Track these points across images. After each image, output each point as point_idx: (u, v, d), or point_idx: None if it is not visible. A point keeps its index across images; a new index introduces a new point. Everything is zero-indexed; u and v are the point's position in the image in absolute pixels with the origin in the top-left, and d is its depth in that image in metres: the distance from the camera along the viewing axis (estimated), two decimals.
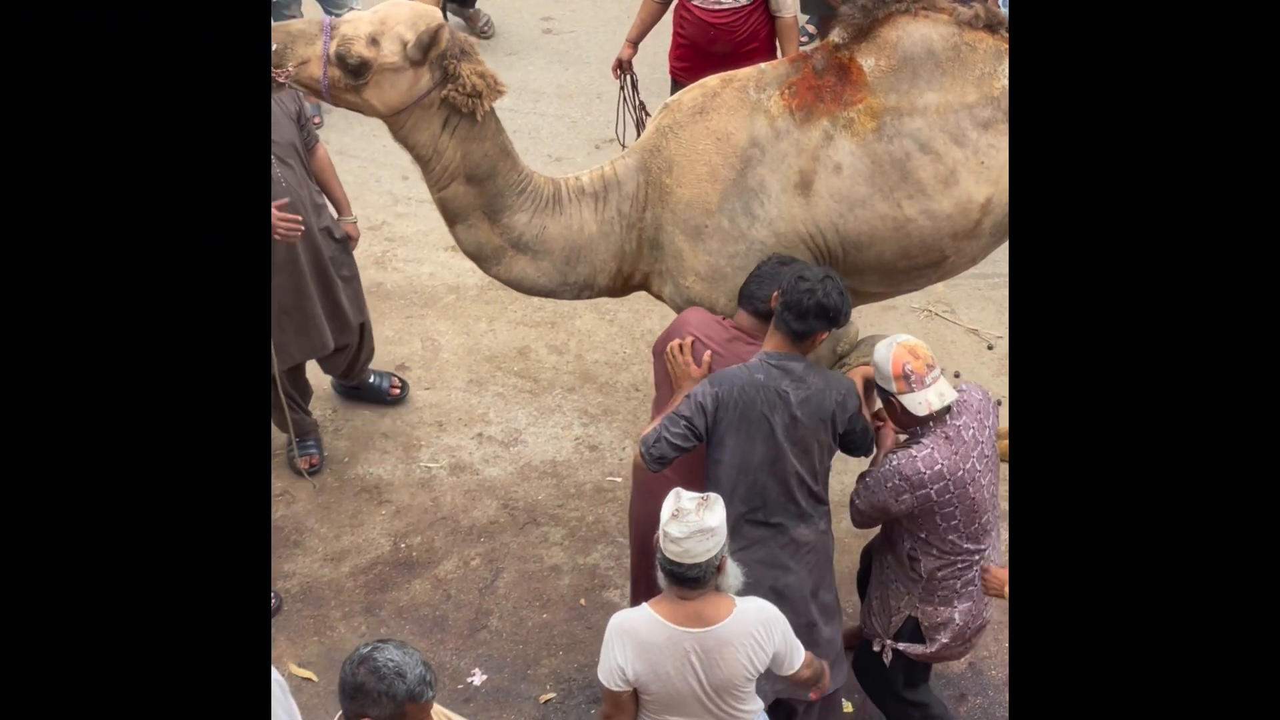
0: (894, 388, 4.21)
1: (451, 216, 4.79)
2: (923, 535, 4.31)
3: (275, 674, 3.59)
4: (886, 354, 4.21)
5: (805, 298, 4.16)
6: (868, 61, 4.71)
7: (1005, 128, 4.70)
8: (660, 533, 3.71)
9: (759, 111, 4.71)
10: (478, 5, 8.98)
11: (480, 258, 4.88)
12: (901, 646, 4.48)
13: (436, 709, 3.50)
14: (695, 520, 3.66)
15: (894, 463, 4.24)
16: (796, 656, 3.91)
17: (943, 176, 4.67)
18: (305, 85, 4.50)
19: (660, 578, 3.80)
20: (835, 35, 4.77)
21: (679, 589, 3.75)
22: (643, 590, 4.63)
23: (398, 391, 6.32)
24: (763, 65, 4.91)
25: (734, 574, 3.82)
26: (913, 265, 4.84)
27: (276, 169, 5.21)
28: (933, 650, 4.46)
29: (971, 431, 4.25)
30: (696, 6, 6.46)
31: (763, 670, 3.85)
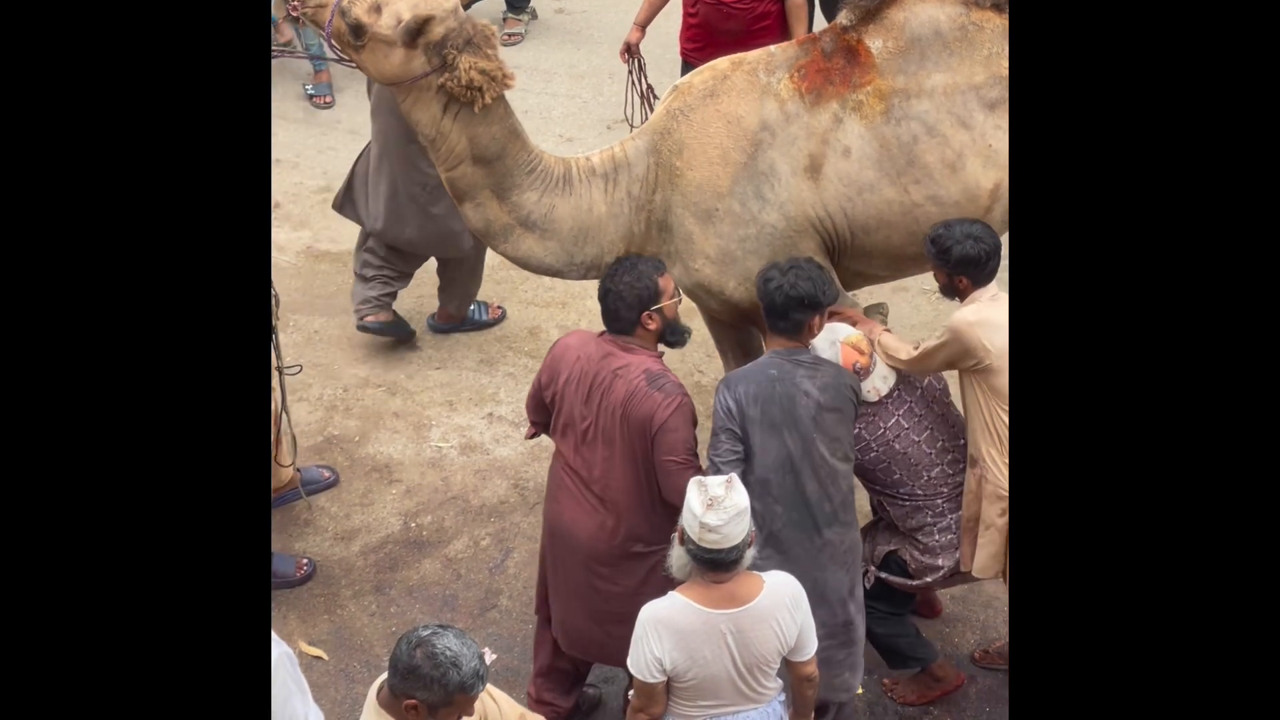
0: None
1: (460, 195, 4.79)
2: (877, 489, 4.58)
3: (284, 646, 3.59)
4: (836, 354, 4.37)
5: (776, 295, 4.25)
6: (875, 43, 4.71)
7: None
8: (695, 526, 3.67)
9: (769, 95, 4.70)
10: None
11: (488, 235, 4.88)
12: (884, 575, 4.62)
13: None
14: (732, 504, 3.66)
15: None
16: (811, 644, 3.91)
17: (949, 161, 4.67)
18: (314, 24, 4.62)
19: (680, 568, 3.81)
20: (843, 17, 4.77)
21: (714, 574, 3.74)
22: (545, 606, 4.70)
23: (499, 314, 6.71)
24: (772, 48, 4.91)
25: (752, 546, 3.82)
26: (921, 252, 4.82)
27: None
28: (915, 584, 4.62)
29: (896, 393, 4.45)
30: None
31: (792, 644, 3.85)
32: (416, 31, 4.44)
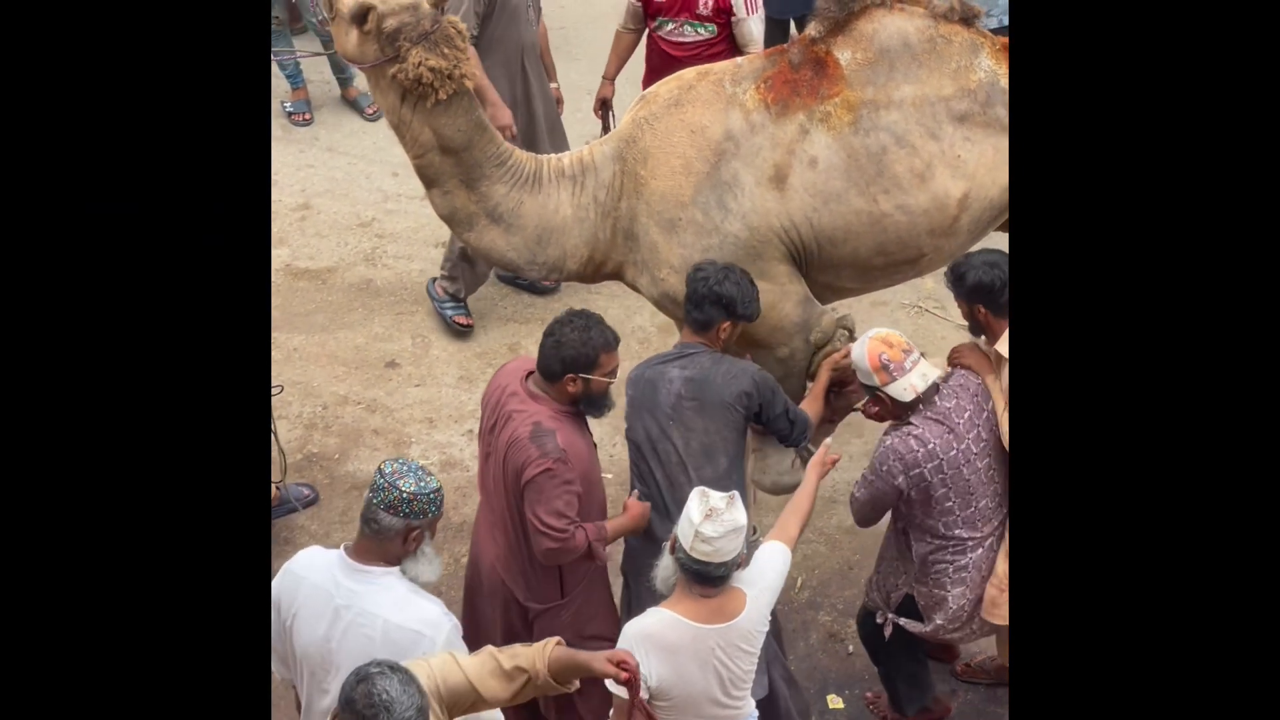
0: (877, 381, 4.27)
1: (427, 181, 4.84)
2: (917, 520, 4.36)
3: (453, 619, 3.62)
4: (862, 351, 4.28)
5: (699, 286, 4.35)
6: (844, 54, 4.72)
7: (981, 120, 4.71)
8: (689, 534, 3.64)
9: (734, 105, 4.71)
10: None
11: (453, 221, 4.92)
12: (903, 621, 4.52)
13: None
14: (730, 519, 3.63)
15: (888, 443, 4.29)
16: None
17: (918, 171, 4.67)
18: None
19: (665, 579, 3.79)
20: (812, 29, 4.78)
21: (701, 588, 3.71)
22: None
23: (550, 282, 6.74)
24: (739, 59, 4.94)
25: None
26: (889, 262, 4.84)
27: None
28: (929, 630, 4.49)
29: (967, 414, 4.28)
30: (661, 37, 6.35)
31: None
32: (360, 17, 4.51)
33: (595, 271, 5.03)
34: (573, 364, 4.13)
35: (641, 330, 6.58)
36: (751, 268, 4.57)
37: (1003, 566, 4.36)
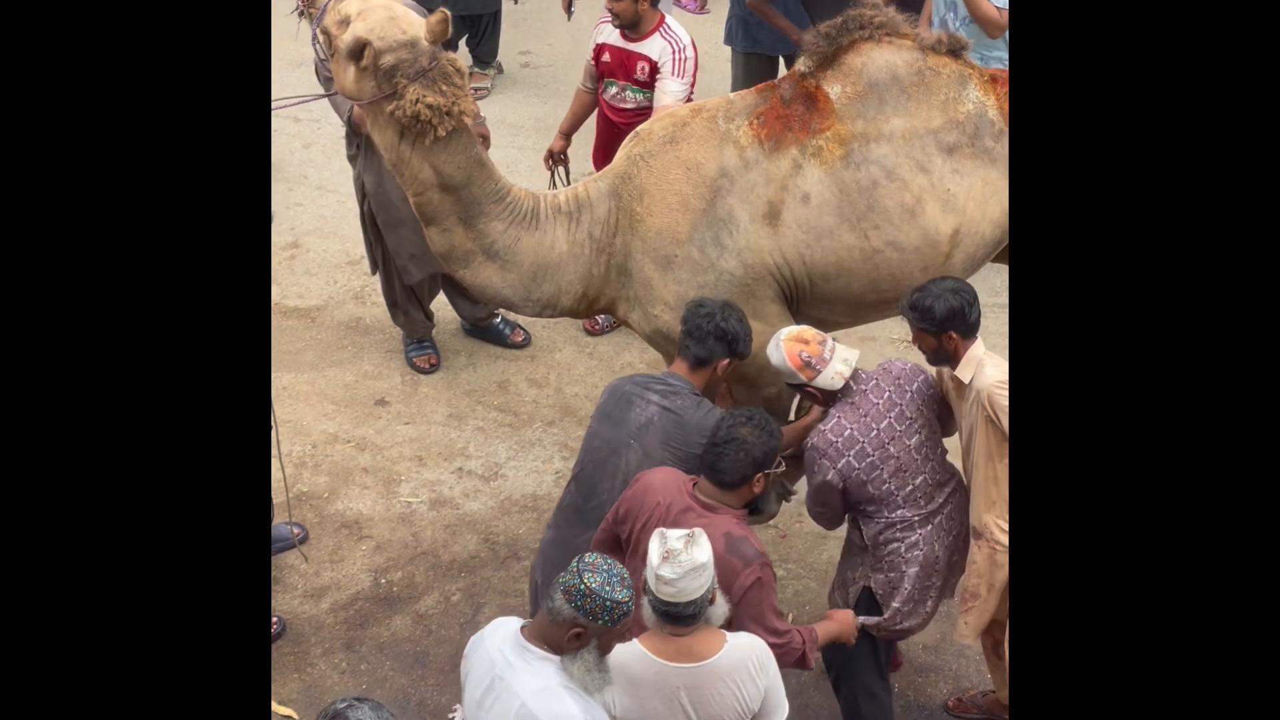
0: (803, 379, 4.37)
1: (427, 219, 4.82)
2: (860, 505, 4.45)
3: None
4: (781, 355, 4.37)
5: (705, 322, 4.34)
6: (834, 89, 4.75)
7: (970, 152, 4.73)
8: (650, 575, 3.62)
9: (728, 141, 4.74)
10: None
11: (450, 259, 4.91)
12: (861, 619, 4.53)
13: None
14: (688, 559, 3.59)
15: (809, 444, 4.40)
16: (781, 708, 3.82)
17: (908, 206, 4.69)
18: (310, 18, 4.77)
19: (647, 617, 3.77)
20: (801, 64, 4.82)
21: (672, 627, 3.68)
22: None
23: (520, 339, 6.81)
24: (731, 95, 4.95)
25: (720, 605, 3.77)
26: (882, 299, 4.85)
27: None
28: (887, 618, 4.50)
29: (886, 394, 4.39)
30: (607, 101, 6.37)
31: (756, 709, 3.77)
32: (356, 54, 4.51)
33: (589, 307, 5.04)
34: (763, 462, 4.02)
35: (631, 366, 6.58)
36: (745, 306, 4.58)
37: (972, 584, 4.46)
